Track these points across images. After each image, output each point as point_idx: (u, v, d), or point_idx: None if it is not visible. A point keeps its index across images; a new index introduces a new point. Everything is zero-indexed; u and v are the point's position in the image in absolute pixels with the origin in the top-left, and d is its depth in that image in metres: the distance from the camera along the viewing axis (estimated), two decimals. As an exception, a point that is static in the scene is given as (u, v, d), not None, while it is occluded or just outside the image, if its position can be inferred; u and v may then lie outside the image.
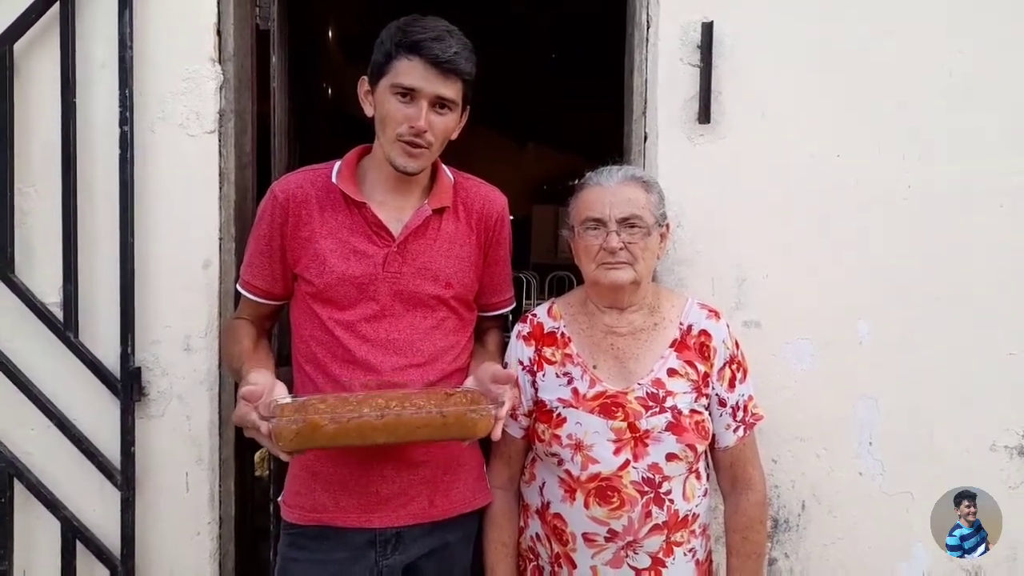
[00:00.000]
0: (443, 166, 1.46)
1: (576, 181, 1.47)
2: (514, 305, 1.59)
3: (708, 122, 1.70)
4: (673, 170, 1.72)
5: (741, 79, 1.71)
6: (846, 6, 1.71)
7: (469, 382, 1.35)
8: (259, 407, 1.17)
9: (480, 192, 1.48)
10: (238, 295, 1.50)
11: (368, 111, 1.38)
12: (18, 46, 1.65)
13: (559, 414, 1.39)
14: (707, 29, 1.68)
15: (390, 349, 1.36)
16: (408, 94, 1.29)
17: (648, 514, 1.35)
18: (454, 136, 1.41)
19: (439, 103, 1.31)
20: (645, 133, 1.77)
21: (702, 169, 1.72)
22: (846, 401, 1.74)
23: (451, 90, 1.31)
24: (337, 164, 1.42)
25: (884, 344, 1.73)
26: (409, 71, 1.28)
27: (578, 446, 1.36)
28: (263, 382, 1.22)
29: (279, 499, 1.46)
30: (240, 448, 1.82)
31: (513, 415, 1.44)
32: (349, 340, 1.36)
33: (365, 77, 1.37)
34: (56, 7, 1.63)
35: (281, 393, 1.23)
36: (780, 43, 1.71)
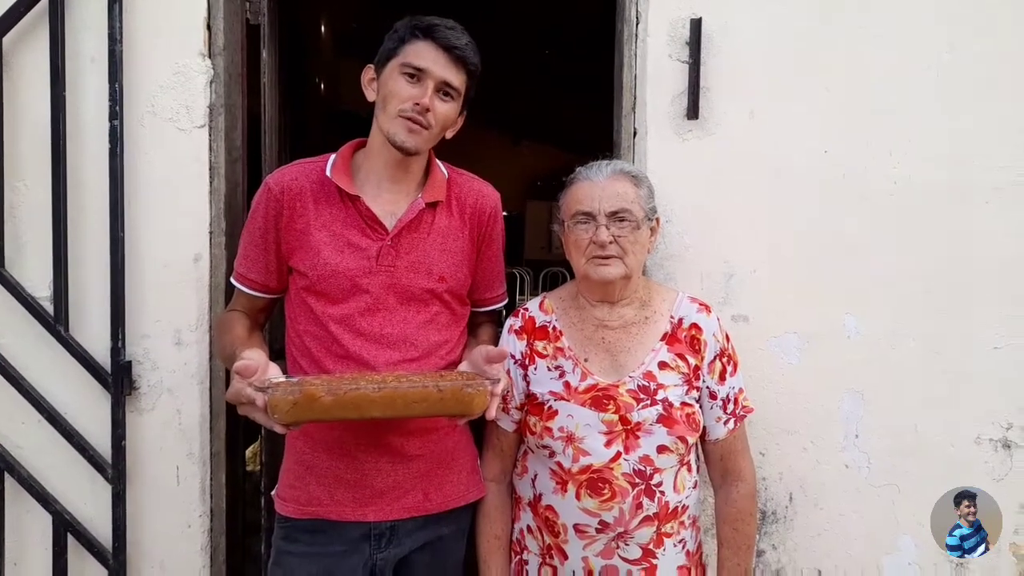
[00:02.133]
0: (437, 161, 1.47)
1: (567, 177, 1.48)
2: (507, 301, 1.60)
3: (696, 118, 1.72)
4: (662, 165, 1.73)
5: (729, 75, 1.72)
6: (834, 3, 1.72)
7: (463, 366, 1.36)
8: (253, 382, 1.16)
9: (474, 187, 1.49)
10: (230, 289, 1.51)
11: (370, 96, 1.39)
12: (7, 39, 1.64)
13: (551, 407, 1.40)
14: (695, 25, 1.69)
15: (384, 343, 1.37)
16: (416, 75, 1.32)
17: (639, 506, 1.36)
18: (450, 135, 1.42)
19: (444, 89, 1.34)
20: (634, 128, 1.78)
21: (691, 165, 1.73)
22: (833, 395, 1.76)
23: (457, 78, 1.34)
24: (332, 157, 1.42)
25: (871, 338, 1.75)
26: (421, 52, 1.32)
27: (569, 438, 1.37)
28: (257, 359, 1.21)
29: (273, 492, 1.46)
30: (231, 442, 1.82)
31: (505, 408, 1.45)
32: (342, 334, 1.36)
33: (371, 65, 1.39)
34: (45, 1, 1.62)
35: (275, 374, 1.22)
36: (768, 39, 1.72)
